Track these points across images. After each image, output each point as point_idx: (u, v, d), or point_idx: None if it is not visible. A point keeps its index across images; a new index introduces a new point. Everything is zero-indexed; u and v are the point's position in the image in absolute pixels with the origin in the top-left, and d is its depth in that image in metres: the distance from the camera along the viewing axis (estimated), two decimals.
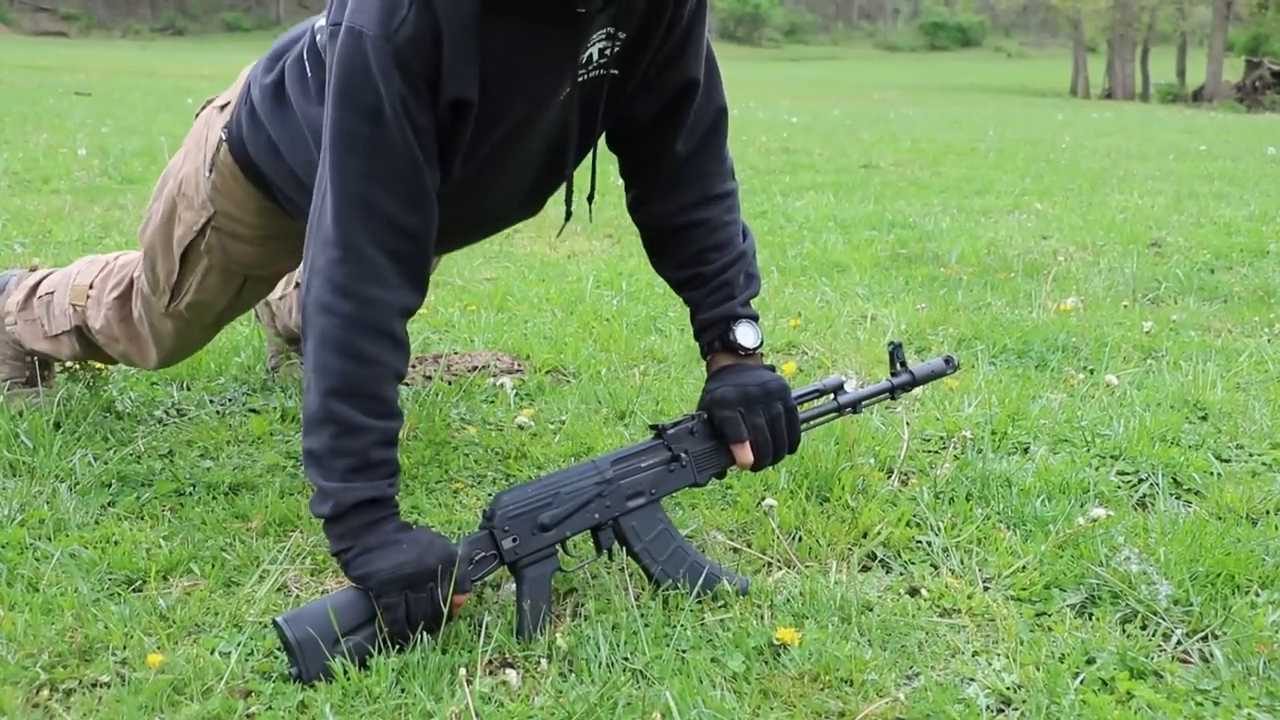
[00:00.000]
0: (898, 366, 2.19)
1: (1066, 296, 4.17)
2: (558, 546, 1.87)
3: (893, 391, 2.17)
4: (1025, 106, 29.40)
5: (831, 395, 2.13)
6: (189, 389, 2.97)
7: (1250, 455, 2.66)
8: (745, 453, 1.99)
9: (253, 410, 2.84)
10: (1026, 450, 2.65)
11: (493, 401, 2.95)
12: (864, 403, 2.16)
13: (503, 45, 1.78)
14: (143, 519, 2.23)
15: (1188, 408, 2.94)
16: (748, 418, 1.98)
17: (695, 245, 2.08)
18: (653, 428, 2.00)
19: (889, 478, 2.47)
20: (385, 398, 1.75)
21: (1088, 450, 2.64)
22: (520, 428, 2.72)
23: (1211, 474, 2.52)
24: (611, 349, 3.42)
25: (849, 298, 4.22)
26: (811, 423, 2.10)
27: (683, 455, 1.97)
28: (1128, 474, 2.53)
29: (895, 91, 36.04)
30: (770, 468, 2.11)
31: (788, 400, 2.01)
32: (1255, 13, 44.53)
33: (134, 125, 11.03)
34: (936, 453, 2.63)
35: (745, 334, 2.04)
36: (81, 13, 67.40)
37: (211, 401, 2.88)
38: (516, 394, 2.98)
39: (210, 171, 2.24)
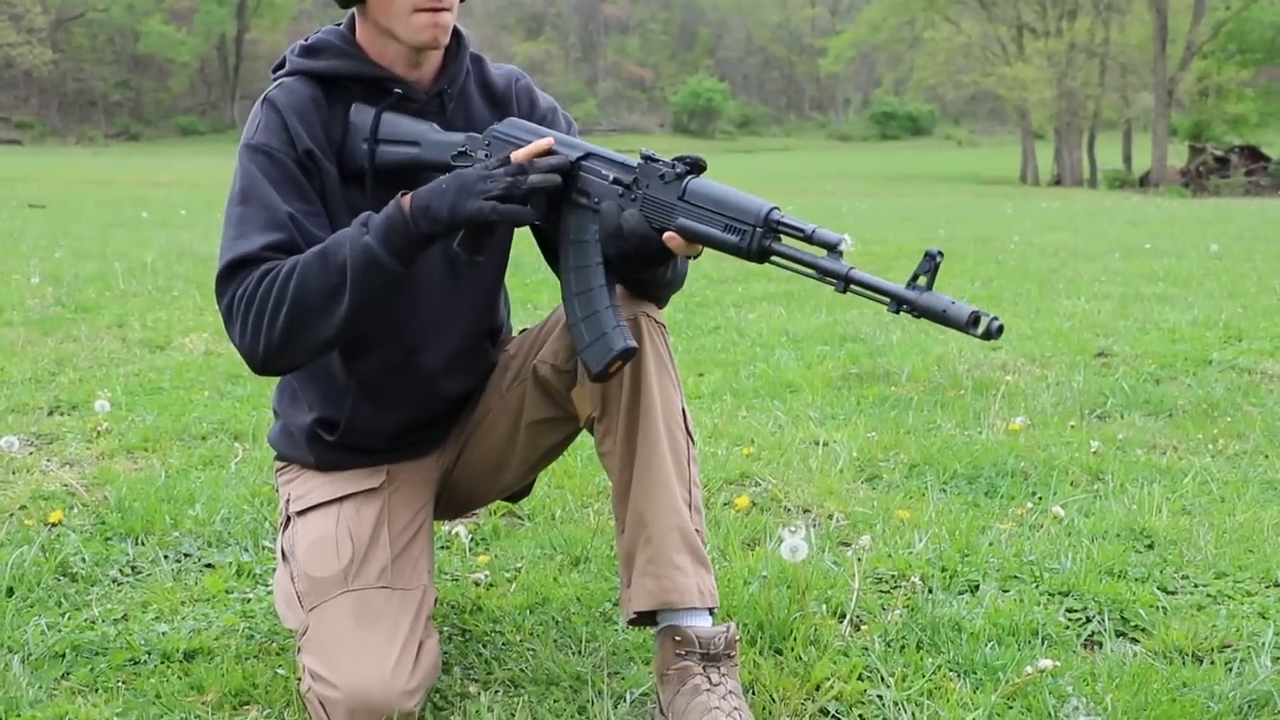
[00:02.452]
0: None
1: (1015, 415, 4.23)
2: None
3: (898, 302, 1.83)
4: (976, 196, 29.88)
5: (826, 251, 1.84)
6: (143, 544, 2.96)
7: (1195, 586, 2.71)
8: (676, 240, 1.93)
9: (208, 565, 2.84)
10: (976, 589, 2.68)
11: (448, 548, 2.97)
12: (857, 288, 1.85)
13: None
14: (97, 692, 2.22)
15: (1134, 536, 3.00)
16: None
17: None
18: (644, 156, 1.94)
19: (841, 623, 2.49)
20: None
21: (1036, 587, 2.68)
22: (475, 584, 2.73)
23: (1157, 609, 2.57)
24: (566, 486, 3.44)
25: (801, 422, 4.27)
26: (786, 263, 1.88)
27: (636, 191, 1.93)
28: (1075, 612, 2.57)
29: (849, 182, 36.55)
30: None
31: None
32: (1196, 100, 45.65)
33: (88, 247, 11.01)
34: (888, 593, 2.66)
35: None
36: (35, 120, 67.52)
37: (166, 557, 2.88)
38: (472, 540, 2.99)
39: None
